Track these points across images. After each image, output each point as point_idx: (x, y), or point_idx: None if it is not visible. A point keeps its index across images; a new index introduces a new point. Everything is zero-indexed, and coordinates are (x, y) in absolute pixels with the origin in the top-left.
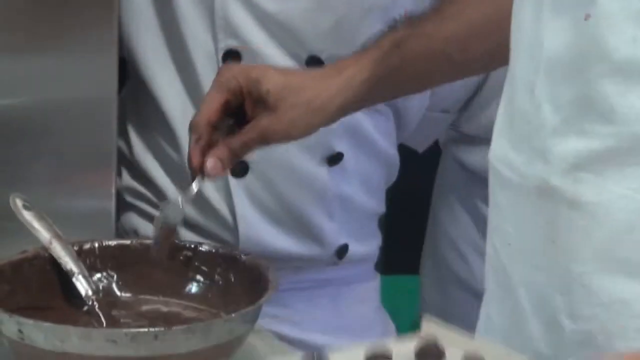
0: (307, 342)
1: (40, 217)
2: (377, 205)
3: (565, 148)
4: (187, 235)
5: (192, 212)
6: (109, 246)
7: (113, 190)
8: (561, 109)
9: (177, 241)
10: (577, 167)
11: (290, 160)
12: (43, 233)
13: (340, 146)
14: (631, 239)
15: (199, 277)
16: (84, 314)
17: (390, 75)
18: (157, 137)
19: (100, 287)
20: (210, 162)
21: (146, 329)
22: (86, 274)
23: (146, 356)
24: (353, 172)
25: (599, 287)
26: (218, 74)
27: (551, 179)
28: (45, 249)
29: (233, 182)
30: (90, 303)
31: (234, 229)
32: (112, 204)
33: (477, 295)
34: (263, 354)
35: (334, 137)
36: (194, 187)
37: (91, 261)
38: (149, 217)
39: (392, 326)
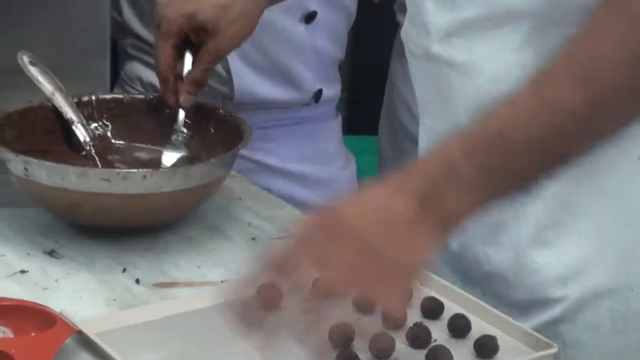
0: (286, 169)
1: (44, 72)
2: (340, 52)
3: (440, 21)
4: None
5: None
6: (104, 99)
7: (107, 53)
8: None
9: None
10: (450, 35)
11: (274, 21)
12: (46, 86)
13: (313, 5)
14: (496, 89)
15: (183, 128)
16: (82, 158)
17: None
18: (145, 6)
19: (97, 135)
20: (183, 98)
21: (136, 170)
22: (84, 122)
23: (136, 194)
24: (324, 27)
25: None
26: (158, 24)
27: (432, 47)
28: (49, 99)
29: None
30: (87, 148)
31: (228, 82)
32: (106, 64)
33: None
34: (238, 195)
35: None
36: (180, 118)
37: (89, 112)
38: (150, 66)
39: (352, 157)
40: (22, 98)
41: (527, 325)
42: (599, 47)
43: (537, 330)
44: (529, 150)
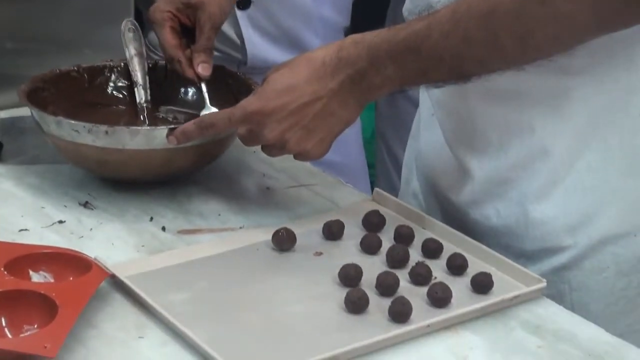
0: None
1: (136, 39)
2: (344, 20)
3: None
4: None
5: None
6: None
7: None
8: None
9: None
10: None
11: None
12: (130, 50)
13: None
14: None
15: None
16: (114, 118)
17: None
18: None
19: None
20: (201, 68)
21: (160, 127)
22: (147, 87)
23: (160, 149)
24: None
25: None
26: (151, 18)
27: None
28: (126, 61)
29: (239, 13)
30: (142, 109)
31: (242, 49)
32: None
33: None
34: (253, 148)
35: None
36: (205, 91)
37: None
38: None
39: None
40: (55, 64)
41: (535, 271)
42: None
43: (544, 275)
44: (439, 63)
